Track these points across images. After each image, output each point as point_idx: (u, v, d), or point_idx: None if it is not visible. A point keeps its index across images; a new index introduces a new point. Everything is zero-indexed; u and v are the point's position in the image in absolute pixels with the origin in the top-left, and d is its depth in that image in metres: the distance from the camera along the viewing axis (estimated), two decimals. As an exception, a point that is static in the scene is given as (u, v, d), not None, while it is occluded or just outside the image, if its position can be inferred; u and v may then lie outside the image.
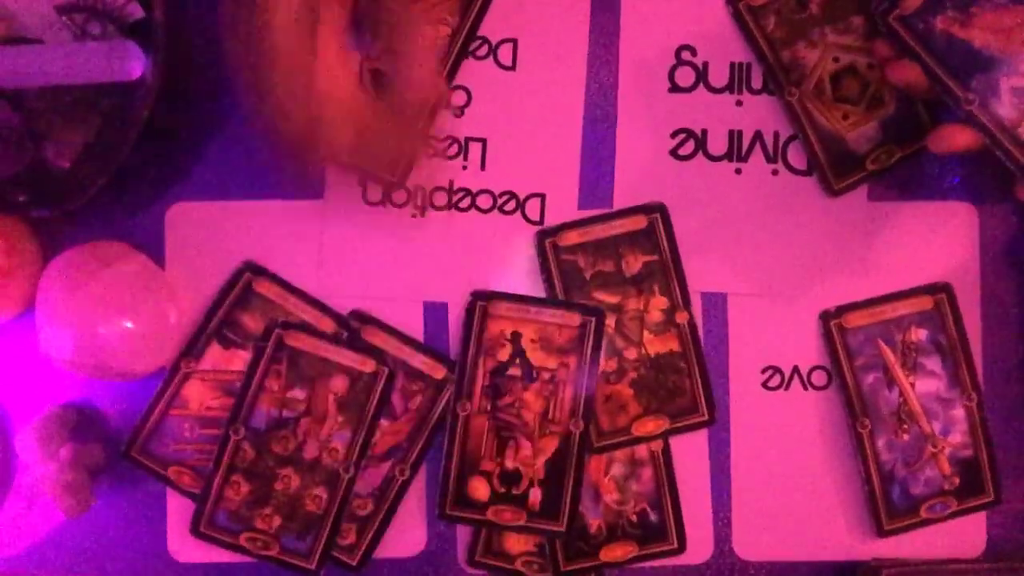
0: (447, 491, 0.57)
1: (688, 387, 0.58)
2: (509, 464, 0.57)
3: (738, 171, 0.59)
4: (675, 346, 0.58)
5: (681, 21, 0.59)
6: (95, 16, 0.56)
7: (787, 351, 0.59)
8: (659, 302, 0.58)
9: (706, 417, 0.58)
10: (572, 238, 0.58)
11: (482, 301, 0.58)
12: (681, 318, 0.58)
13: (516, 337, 0.58)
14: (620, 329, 0.58)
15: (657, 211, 0.58)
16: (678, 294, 0.58)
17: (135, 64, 0.55)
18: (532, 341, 0.57)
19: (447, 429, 0.57)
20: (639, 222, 0.58)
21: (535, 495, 0.57)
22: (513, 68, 0.59)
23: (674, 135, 0.59)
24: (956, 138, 0.52)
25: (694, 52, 0.59)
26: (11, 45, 0.56)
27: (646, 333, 0.58)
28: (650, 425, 0.58)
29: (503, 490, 0.57)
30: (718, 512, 0.58)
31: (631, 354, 0.58)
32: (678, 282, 0.58)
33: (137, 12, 0.56)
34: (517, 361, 0.58)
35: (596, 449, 0.57)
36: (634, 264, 0.58)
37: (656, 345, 0.58)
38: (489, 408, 0.57)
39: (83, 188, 0.55)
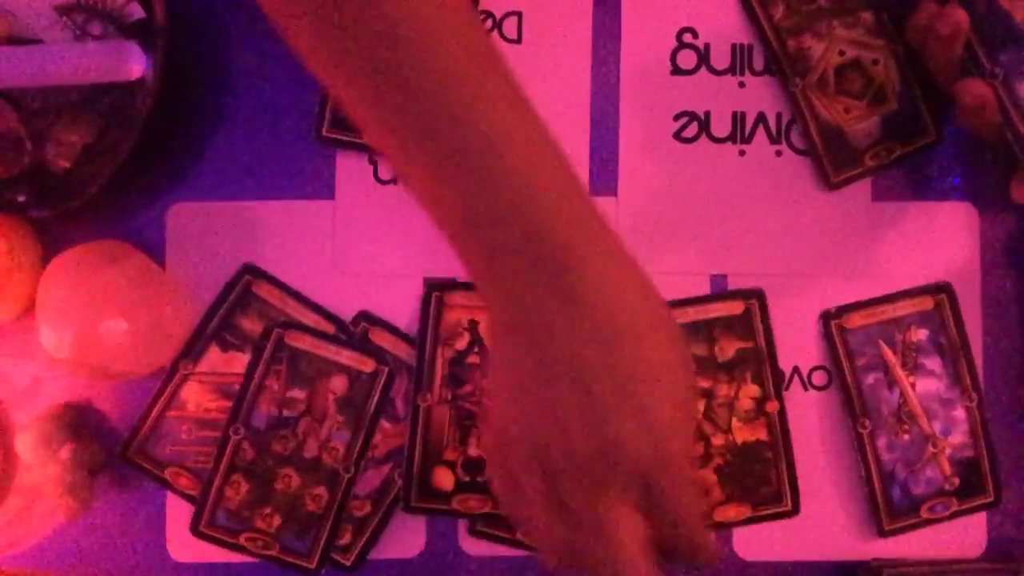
0: (411, 483, 0.57)
1: (773, 477, 0.57)
2: (472, 452, 0.57)
3: (742, 153, 0.59)
4: (763, 435, 0.57)
5: (682, 4, 0.59)
6: (95, 16, 0.56)
7: (787, 351, 0.59)
8: (750, 390, 0.57)
9: (790, 507, 0.57)
10: None
11: (437, 291, 0.57)
12: (771, 407, 0.57)
13: (473, 325, 0.57)
14: (709, 415, 0.57)
15: (755, 297, 0.58)
16: (770, 383, 0.57)
17: (135, 64, 0.55)
18: None
19: (409, 421, 0.57)
20: (735, 307, 0.58)
21: None
22: (519, 41, 0.59)
23: (677, 118, 0.59)
24: None
25: (695, 34, 0.59)
26: (11, 45, 0.56)
27: (735, 420, 0.57)
28: (731, 512, 0.57)
29: (467, 479, 0.57)
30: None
31: (718, 440, 0.57)
32: (771, 371, 0.57)
33: (137, 12, 0.56)
34: (476, 349, 0.57)
35: None
36: (728, 350, 0.57)
37: (744, 433, 0.57)
38: (450, 398, 0.57)
39: (83, 188, 0.55)
